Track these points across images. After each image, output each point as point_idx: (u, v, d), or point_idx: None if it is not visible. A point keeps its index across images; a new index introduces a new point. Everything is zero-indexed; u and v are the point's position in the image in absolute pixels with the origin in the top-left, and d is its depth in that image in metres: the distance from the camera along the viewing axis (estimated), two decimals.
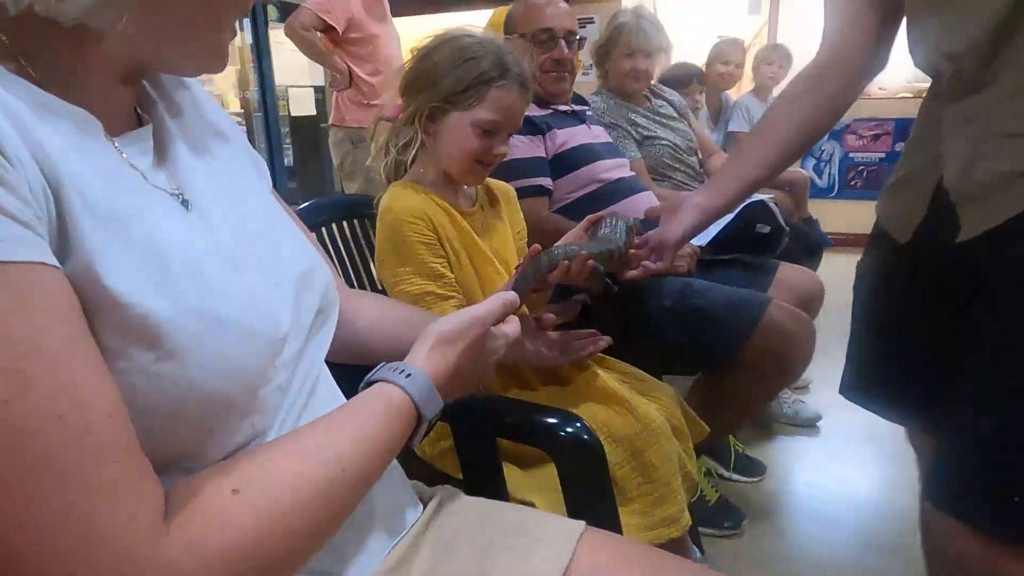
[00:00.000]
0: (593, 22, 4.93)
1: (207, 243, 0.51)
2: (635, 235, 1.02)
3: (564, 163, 1.52)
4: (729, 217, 1.63)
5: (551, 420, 0.74)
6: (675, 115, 2.16)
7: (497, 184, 1.19)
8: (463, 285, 1.04)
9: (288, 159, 6.07)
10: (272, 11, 5.47)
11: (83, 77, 0.47)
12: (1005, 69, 0.66)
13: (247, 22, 5.12)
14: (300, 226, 0.76)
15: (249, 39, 5.40)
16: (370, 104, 2.87)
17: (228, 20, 0.54)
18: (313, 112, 5.85)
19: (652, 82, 2.15)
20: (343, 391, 0.66)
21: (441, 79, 0.99)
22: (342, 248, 1.21)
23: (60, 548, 0.35)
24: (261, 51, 5.41)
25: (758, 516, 1.60)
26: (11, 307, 0.36)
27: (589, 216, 1.04)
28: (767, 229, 1.62)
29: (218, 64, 0.54)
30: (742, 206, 1.65)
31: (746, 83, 3.43)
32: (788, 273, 1.68)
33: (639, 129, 2.02)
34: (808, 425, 2.02)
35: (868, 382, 0.92)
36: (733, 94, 3.30)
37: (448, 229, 1.03)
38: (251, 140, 6.54)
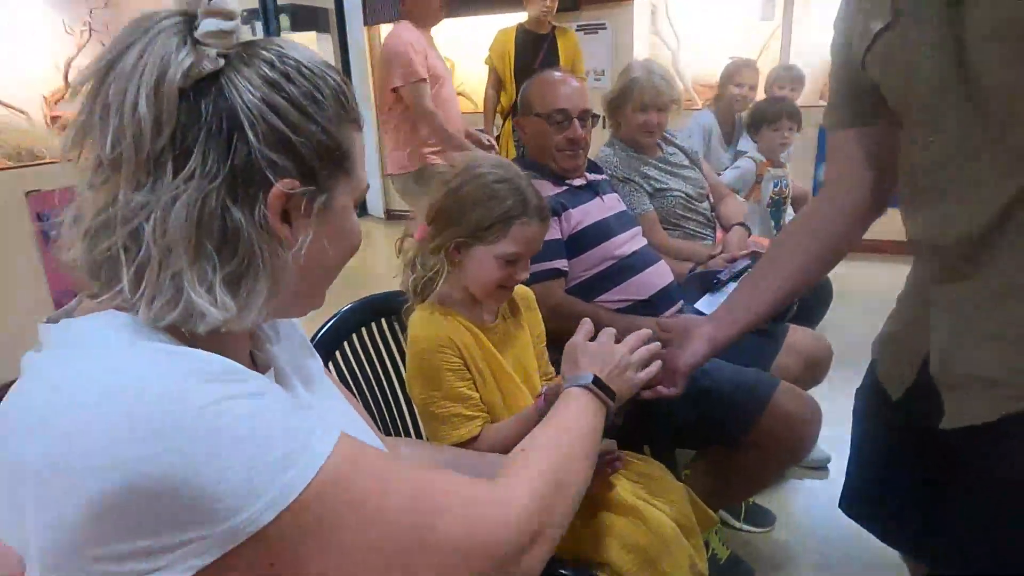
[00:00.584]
0: (605, 28, 4.91)
1: None
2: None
3: (579, 243, 1.58)
4: (733, 284, 1.69)
5: (564, 573, 0.82)
6: (686, 163, 2.20)
7: (518, 290, 1.25)
8: (488, 403, 1.11)
9: None
10: (284, 20, 5.50)
11: (228, 344, 0.57)
12: (987, 269, 0.71)
13: (259, 28, 5.16)
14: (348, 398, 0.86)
15: None
16: (426, 143, 2.83)
17: (336, 275, 0.65)
18: None
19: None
20: None
21: (466, 216, 1.06)
22: (379, 348, 1.28)
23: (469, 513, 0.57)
24: None
25: (767, 570, 1.68)
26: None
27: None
28: None
29: (319, 305, 0.67)
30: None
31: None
32: (797, 337, 1.74)
33: (651, 182, 2.07)
34: (818, 467, 2.08)
35: (864, 508, 0.99)
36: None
37: (473, 350, 1.10)
38: None
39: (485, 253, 1.07)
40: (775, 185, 2.62)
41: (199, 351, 0.50)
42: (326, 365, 1.16)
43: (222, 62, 0.52)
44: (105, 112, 0.51)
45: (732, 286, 1.73)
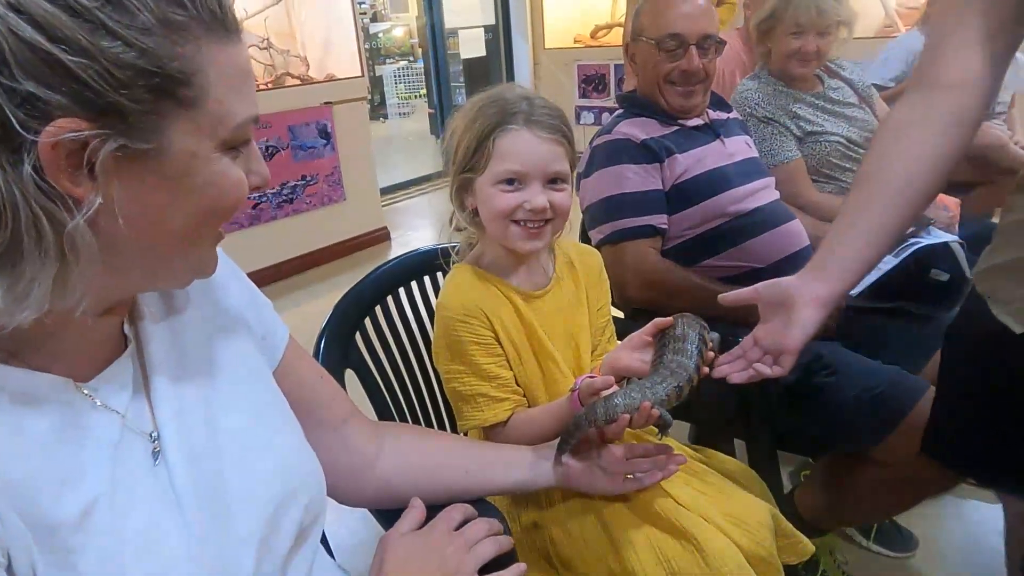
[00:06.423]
0: None
1: (170, 518, 0.51)
2: (709, 347, 0.86)
3: (685, 195, 1.32)
4: (892, 260, 1.34)
5: None
6: (853, 100, 1.79)
7: (581, 252, 1.06)
8: (525, 384, 0.96)
9: (461, 97, 6.26)
10: None
11: (54, 334, 0.46)
12: None
13: None
14: (317, 371, 0.74)
15: None
16: None
17: (209, 237, 0.51)
18: (483, 53, 5.83)
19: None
20: None
21: (457, 150, 0.92)
22: (416, 310, 1.16)
23: None
24: None
25: None
26: None
27: (656, 321, 0.88)
28: (945, 277, 1.30)
29: (205, 273, 0.54)
30: (917, 247, 1.35)
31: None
32: None
33: (801, 123, 1.70)
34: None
35: (962, 449, 0.92)
36: None
37: (509, 323, 0.94)
38: (426, 80, 6.74)
39: (483, 183, 0.91)
40: None
41: None
42: (359, 325, 1.07)
43: None
44: None
45: (890, 260, 1.38)
